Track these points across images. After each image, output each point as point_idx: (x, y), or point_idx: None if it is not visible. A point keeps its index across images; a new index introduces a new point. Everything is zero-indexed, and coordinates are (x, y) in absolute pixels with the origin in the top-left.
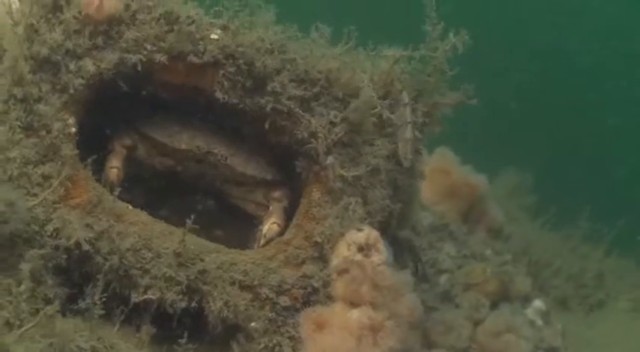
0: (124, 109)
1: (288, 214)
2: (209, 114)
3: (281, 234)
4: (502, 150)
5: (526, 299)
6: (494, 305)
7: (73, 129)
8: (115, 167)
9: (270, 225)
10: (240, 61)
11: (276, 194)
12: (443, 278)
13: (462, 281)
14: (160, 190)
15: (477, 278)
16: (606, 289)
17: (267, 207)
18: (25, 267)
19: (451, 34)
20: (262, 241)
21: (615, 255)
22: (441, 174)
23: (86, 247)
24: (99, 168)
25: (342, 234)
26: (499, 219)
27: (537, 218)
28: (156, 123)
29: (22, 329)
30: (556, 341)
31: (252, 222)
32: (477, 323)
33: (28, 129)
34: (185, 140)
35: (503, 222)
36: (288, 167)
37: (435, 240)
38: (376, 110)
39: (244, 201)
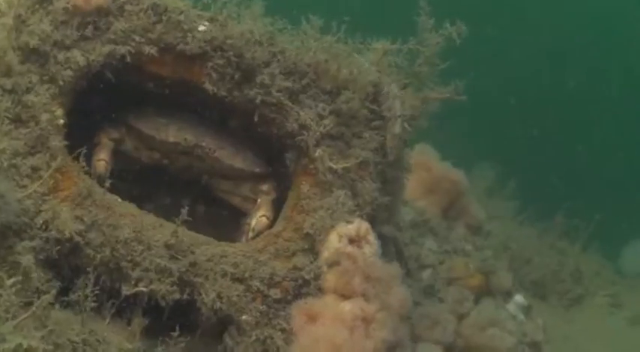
0: (110, 101)
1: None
2: (197, 106)
3: (270, 226)
4: (477, 144)
5: (507, 295)
6: (476, 300)
7: (62, 121)
8: (102, 159)
9: (258, 218)
10: (230, 53)
11: (264, 187)
12: (426, 274)
13: (444, 276)
14: (145, 185)
15: (460, 273)
16: (584, 285)
17: (254, 201)
18: (25, 260)
19: (448, 25)
20: (251, 234)
21: (592, 251)
22: (422, 169)
23: (77, 239)
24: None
25: (333, 227)
26: (479, 215)
27: (515, 214)
28: (143, 116)
29: (19, 319)
30: (538, 336)
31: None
32: (461, 318)
33: (17, 121)
34: (173, 132)
35: (483, 218)
36: (275, 160)
37: (416, 236)
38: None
39: (231, 194)
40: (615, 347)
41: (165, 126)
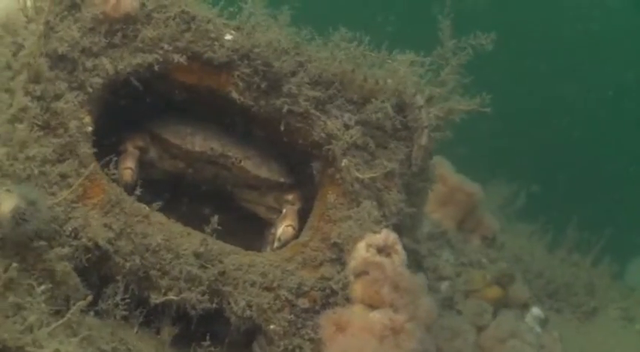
0: (136, 109)
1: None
2: (222, 115)
3: (295, 236)
4: (491, 160)
5: (525, 307)
6: (494, 313)
7: (90, 128)
8: (128, 168)
9: (284, 228)
10: (257, 62)
11: (290, 197)
12: (444, 285)
13: (462, 289)
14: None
15: (478, 285)
16: (597, 298)
17: (279, 211)
18: (61, 267)
19: (478, 33)
20: (276, 244)
21: (604, 264)
22: (437, 182)
23: (106, 247)
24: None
25: (360, 236)
26: (494, 227)
27: (527, 227)
28: (168, 125)
29: (52, 326)
30: (556, 348)
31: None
32: (480, 329)
33: (45, 127)
34: (199, 142)
35: (497, 231)
36: (298, 169)
37: (433, 248)
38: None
39: (255, 204)
40: None
41: (191, 135)
